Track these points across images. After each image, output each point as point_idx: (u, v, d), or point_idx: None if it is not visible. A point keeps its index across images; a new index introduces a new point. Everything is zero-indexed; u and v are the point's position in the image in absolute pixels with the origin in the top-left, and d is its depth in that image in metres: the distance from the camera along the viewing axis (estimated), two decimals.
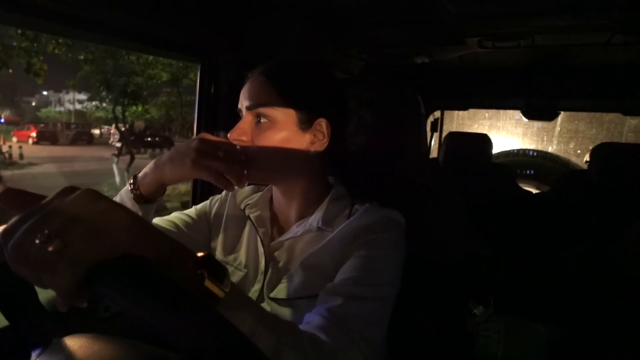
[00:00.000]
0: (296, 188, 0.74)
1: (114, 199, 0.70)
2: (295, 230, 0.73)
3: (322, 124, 0.71)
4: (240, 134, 0.68)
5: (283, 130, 0.68)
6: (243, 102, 0.70)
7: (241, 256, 0.77)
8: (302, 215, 0.75)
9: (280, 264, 0.73)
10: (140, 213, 0.68)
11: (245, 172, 0.66)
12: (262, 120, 0.68)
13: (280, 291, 0.69)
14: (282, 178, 0.74)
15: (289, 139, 0.68)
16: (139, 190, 0.68)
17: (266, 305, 0.69)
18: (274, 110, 0.67)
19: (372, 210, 0.71)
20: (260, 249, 0.75)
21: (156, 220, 0.84)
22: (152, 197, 0.70)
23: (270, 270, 0.72)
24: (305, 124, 0.69)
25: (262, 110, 0.67)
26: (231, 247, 0.79)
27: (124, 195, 0.70)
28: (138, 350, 0.41)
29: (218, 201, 0.85)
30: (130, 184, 0.69)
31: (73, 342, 0.43)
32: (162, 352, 0.41)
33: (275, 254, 0.74)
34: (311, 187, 0.75)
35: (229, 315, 0.32)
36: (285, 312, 0.67)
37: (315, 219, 0.72)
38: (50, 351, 0.43)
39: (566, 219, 1.89)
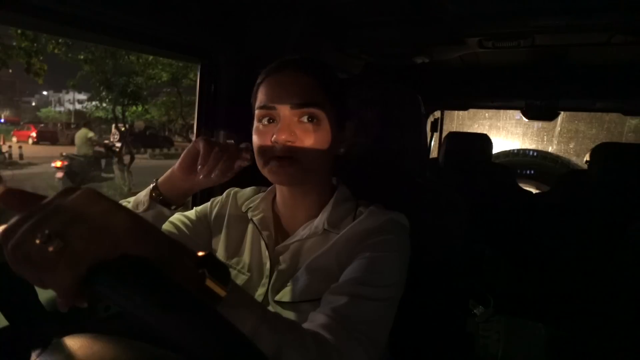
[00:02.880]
0: (311, 189, 0.74)
1: (133, 198, 0.74)
2: (301, 232, 0.73)
3: (350, 125, 0.74)
4: (291, 135, 0.66)
5: (329, 131, 0.68)
6: (282, 99, 0.66)
7: (244, 259, 0.76)
8: (309, 216, 0.74)
9: (286, 267, 0.72)
10: (144, 212, 0.71)
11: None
12: (310, 121, 0.67)
13: (286, 295, 0.68)
14: (313, 179, 0.72)
15: (332, 140, 0.69)
16: (157, 189, 0.72)
17: (271, 309, 0.68)
18: (321, 111, 0.67)
19: (377, 212, 0.71)
20: (265, 252, 0.74)
21: None
22: (168, 200, 0.73)
23: (275, 274, 0.71)
24: (340, 124, 0.71)
25: (314, 110, 0.66)
26: (234, 250, 0.78)
27: (142, 195, 0.73)
28: (138, 350, 0.41)
29: (218, 203, 0.85)
30: (153, 184, 0.74)
31: (73, 342, 0.43)
32: (162, 352, 0.41)
33: (281, 257, 0.73)
34: (321, 187, 0.75)
35: (231, 314, 0.32)
36: (290, 316, 0.66)
37: (320, 221, 0.72)
38: (50, 351, 0.43)
39: (566, 219, 1.89)
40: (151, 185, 0.73)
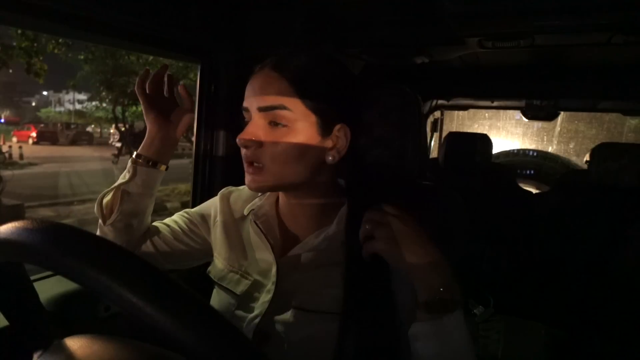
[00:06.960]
0: (311, 195, 0.69)
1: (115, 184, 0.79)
2: (311, 239, 0.68)
3: (343, 129, 0.65)
4: (252, 139, 0.62)
5: (301, 136, 0.62)
6: (252, 101, 0.63)
7: (249, 264, 0.73)
8: (318, 221, 0.69)
9: (292, 274, 0.68)
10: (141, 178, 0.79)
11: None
12: (278, 125, 0.62)
13: (292, 303, 0.65)
14: (295, 186, 0.67)
15: (308, 146, 0.62)
16: (140, 156, 0.80)
17: (277, 317, 0.65)
18: (292, 114, 0.61)
19: None
20: (272, 258, 0.69)
21: (158, 223, 0.84)
22: (155, 160, 0.80)
23: (281, 281, 0.67)
24: (326, 129, 0.63)
25: (280, 113, 0.61)
26: (237, 254, 0.75)
27: (127, 166, 0.81)
28: (138, 350, 0.41)
29: (213, 205, 0.82)
30: (133, 157, 0.81)
31: (73, 343, 0.43)
32: (162, 352, 0.40)
33: (287, 263, 0.69)
34: (326, 194, 0.70)
35: None
36: (296, 325, 0.64)
37: (339, 230, 0.66)
38: (51, 352, 0.43)
39: (566, 219, 1.89)
40: (134, 154, 0.80)
